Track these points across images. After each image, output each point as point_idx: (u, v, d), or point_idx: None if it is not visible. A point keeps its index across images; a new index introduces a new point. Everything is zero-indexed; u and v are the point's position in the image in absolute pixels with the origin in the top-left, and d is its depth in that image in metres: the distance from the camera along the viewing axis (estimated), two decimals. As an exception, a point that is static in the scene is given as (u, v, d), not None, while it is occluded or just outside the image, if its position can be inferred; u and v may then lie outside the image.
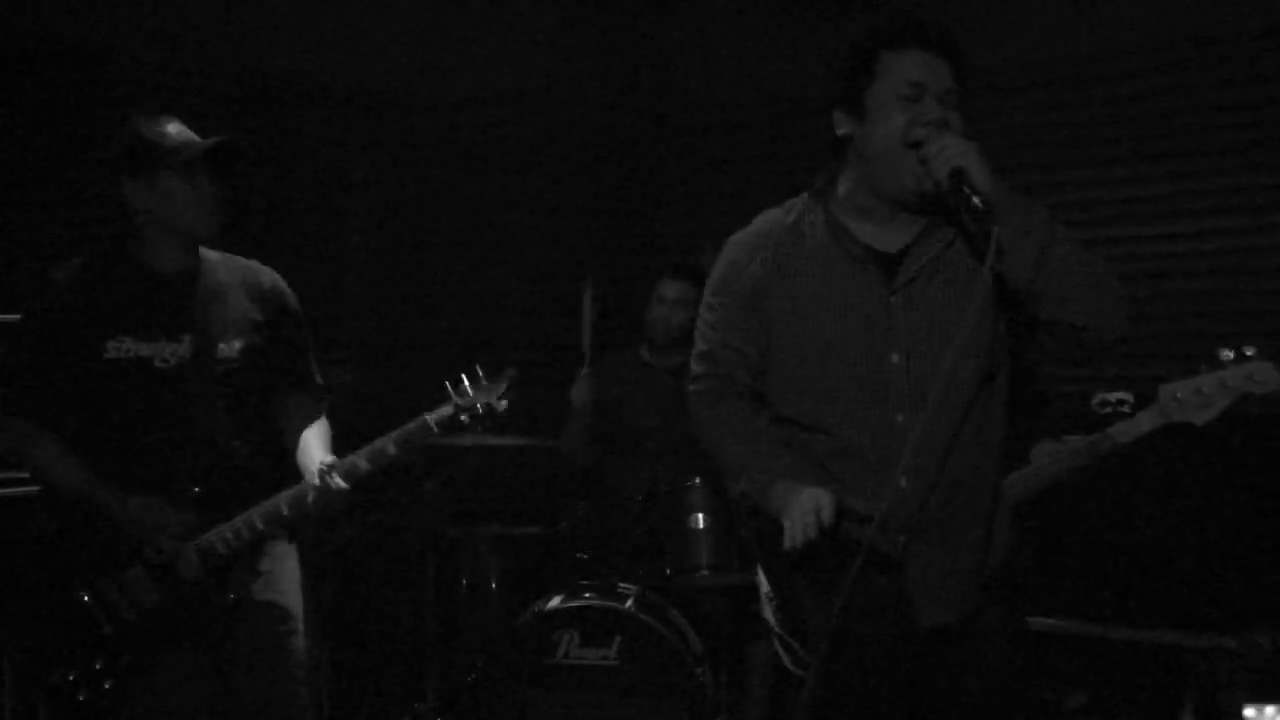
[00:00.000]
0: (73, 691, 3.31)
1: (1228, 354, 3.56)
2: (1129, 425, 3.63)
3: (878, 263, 2.93)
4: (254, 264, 3.57)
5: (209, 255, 3.49)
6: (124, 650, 3.30)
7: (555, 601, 4.53)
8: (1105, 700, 4.47)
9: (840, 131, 2.92)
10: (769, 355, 3.03)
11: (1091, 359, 3.06)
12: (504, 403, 3.49)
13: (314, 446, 3.51)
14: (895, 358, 2.89)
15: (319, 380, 3.66)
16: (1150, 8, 5.29)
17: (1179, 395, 3.54)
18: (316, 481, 3.34)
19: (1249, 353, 3.54)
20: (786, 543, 2.80)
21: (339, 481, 3.32)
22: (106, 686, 3.29)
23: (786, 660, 3.66)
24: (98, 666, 3.29)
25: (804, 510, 2.82)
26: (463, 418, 3.45)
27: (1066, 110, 5.50)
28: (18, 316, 3.75)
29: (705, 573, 4.65)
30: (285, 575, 3.49)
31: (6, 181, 5.04)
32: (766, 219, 3.10)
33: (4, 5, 5.05)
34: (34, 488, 3.83)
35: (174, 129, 3.38)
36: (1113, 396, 4.33)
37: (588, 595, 4.55)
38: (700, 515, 4.67)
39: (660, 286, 5.23)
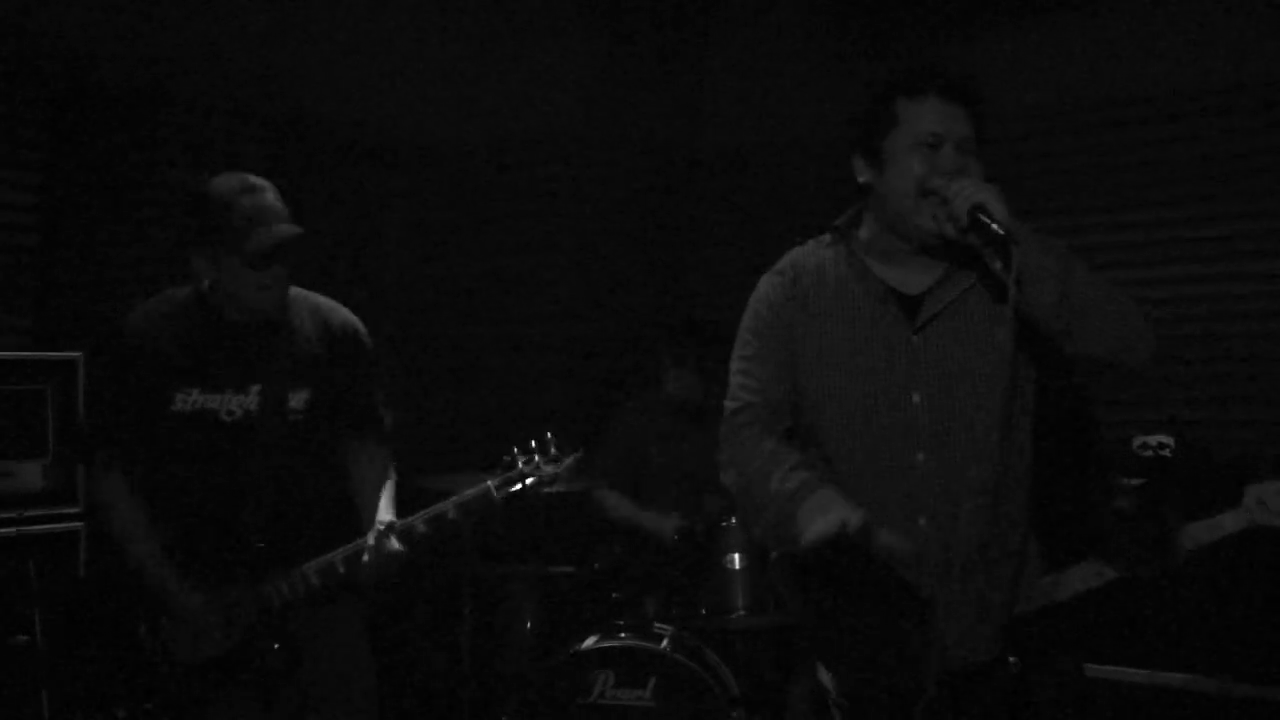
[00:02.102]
0: None
1: None
2: (1207, 527, 3.46)
3: (900, 304, 2.88)
4: (328, 303, 3.47)
5: (290, 293, 3.39)
6: (176, 692, 3.24)
7: (590, 641, 4.44)
8: None
9: (861, 179, 2.88)
10: (798, 390, 2.95)
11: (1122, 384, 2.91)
12: (568, 475, 3.45)
13: (377, 503, 3.43)
14: (916, 397, 2.83)
15: (387, 421, 3.54)
16: (1164, 60, 5.25)
17: (1265, 498, 3.39)
18: (372, 542, 3.25)
19: None
20: (804, 540, 2.69)
21: (395, 545, 3.25)
22: None
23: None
24: (148, 707, 3.24)
25: (832, 516, 2.71)
26: (529, 484, 3.40)
27: (1087, 154, 5.47)
28: (80, 354, 3.91)
29: (741, 613, 4.55)
30: (346, 632, 3.42)
31: (70, 215, 5.00)
32: (792, 258, 3.04)
33: (71, 51, 4.92)
34: (86, 522, 3.97)
35: (247, 202, 3.21)
36: (1153, 440, 4.28)
37: (623, 635, 4.46)
38: (737, 555, 4.58)
39: (673, 356, 5.13)
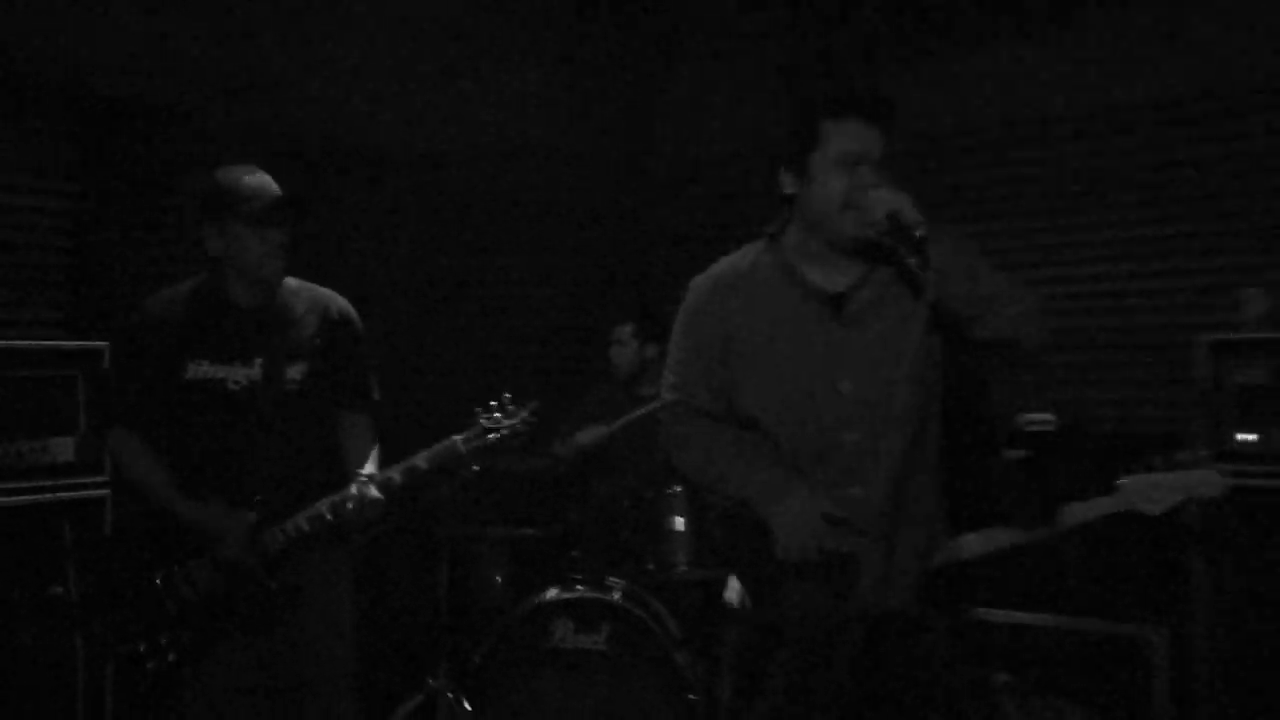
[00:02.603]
0: (142, 661, 3.42)
1: (1183, 457, 3.60)
2: (1089, 507, 3.62)
3: (826, 301, 2.99)
4: (326, 292, 3.66)
5: (287, 283, 3.58)
6: (186, 629, 3.41)
7: (552, 593, 4.62)
8: (1027, 679, 4.46)
9: (787, 191, 2.99)
10: (734, 384, 3.07)
11: (1018, 373, 3.20)
12: (527, 427, 3.59)
13: (361, 461, 3.60)
14: (844, 384, 2.95)
15: (375, 397, 3.71)
16: (1072, 81, 5.40)
17: (1134, 488, 3.56)
18: (355, 491, 3.42)
19: (1203, 459, 3.61)
20: (780, 554, 2.91)
21: (374, 492, 3.41)
22: (170, 659, 3.40)
23: (750, 650, 3.72)
24: (163, 641, 3.41)
25: (802, 531, 2.91)
26: (490, 438, 3.54)
27: (1000, 167, 5.64)
28: (103, 344, 4.07)
29: (683, 568, 4.72)
30: (333, 574, 3.59)
31: (98, 221, 5.11)
32: (725, 263, 3.16)
33: (100, 74, 4.99)
34: (112, 490, 4.17)
35: (250, 180, 3.46)
36: (1037, 417, 4.68)
37: (580, 588, 4.63)
38: (679, 518, 4.74)
39: (617, 331, 5.36)
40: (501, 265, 6.24)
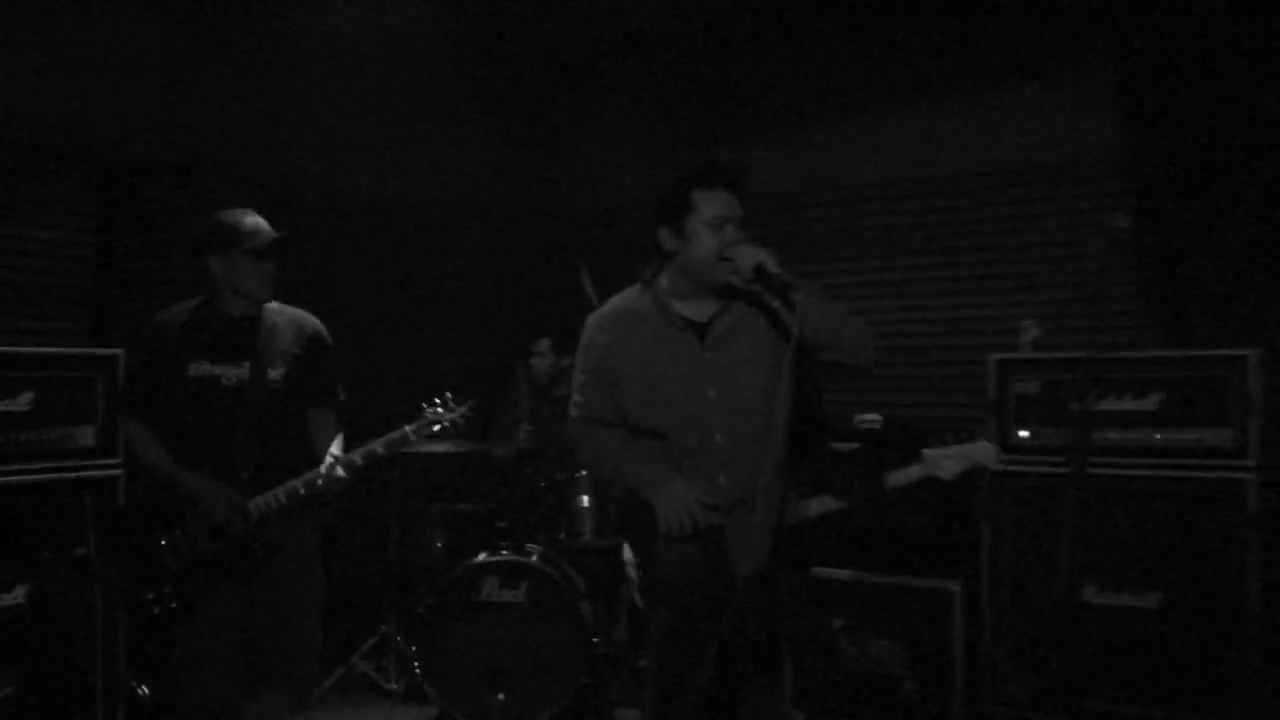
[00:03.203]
0: (149, 606, 3.54)
1: (969, 433, 3.96)
2: (900, 474, 3.84)
3: (694, 329, 3.14)
4: (301, 312, 3.79)
5: (270, 304, 3.71)
6: (185, 581, 3.54)
7: (481, 557, 4.78)
8: (856, 624, 4.68)
9: (666, 246, 3.12)
10: (624, 398, 3.18)
11: (853, 380, 3.29)
12: (463, 421, 3.72)
13: (327, 447, 3.69)
14: (711, 394, 3.10)
15: (341, 398, 3.81)
16: (896, 154, 5.73)
17: (934, 458, 3.79)
18: (324, 470, 3.56)
19: (978, 436, 3.93)
20: (662, 528, 3.03)
21: (340, 471, 3.55)
22: (173, 605, 3.53)
23: (640, 602, 3.94)
24: (166, 590, 3.53)
25: (678, 508, 3.02)
26: (434, 429, 3.67)
27: (838, 220, 5.94)
28: (117, 351, 4.11)
29: (588, 537, 4.95)
30: (304, 536, 3.68)
31: (116, 252, 5.14)
32: (613, 303, 3.26)
33: (120, 136, 5.05)
34: (125, 469, 4.12)
35: (250, 220, 3.61)
36: (868, 417, 4.84)
37: (504, 552, 4.79)
38: (585, 497, 4.97)
39: (535, 344, 5.50)
40: (441, 292, 6.24)
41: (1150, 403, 4.36)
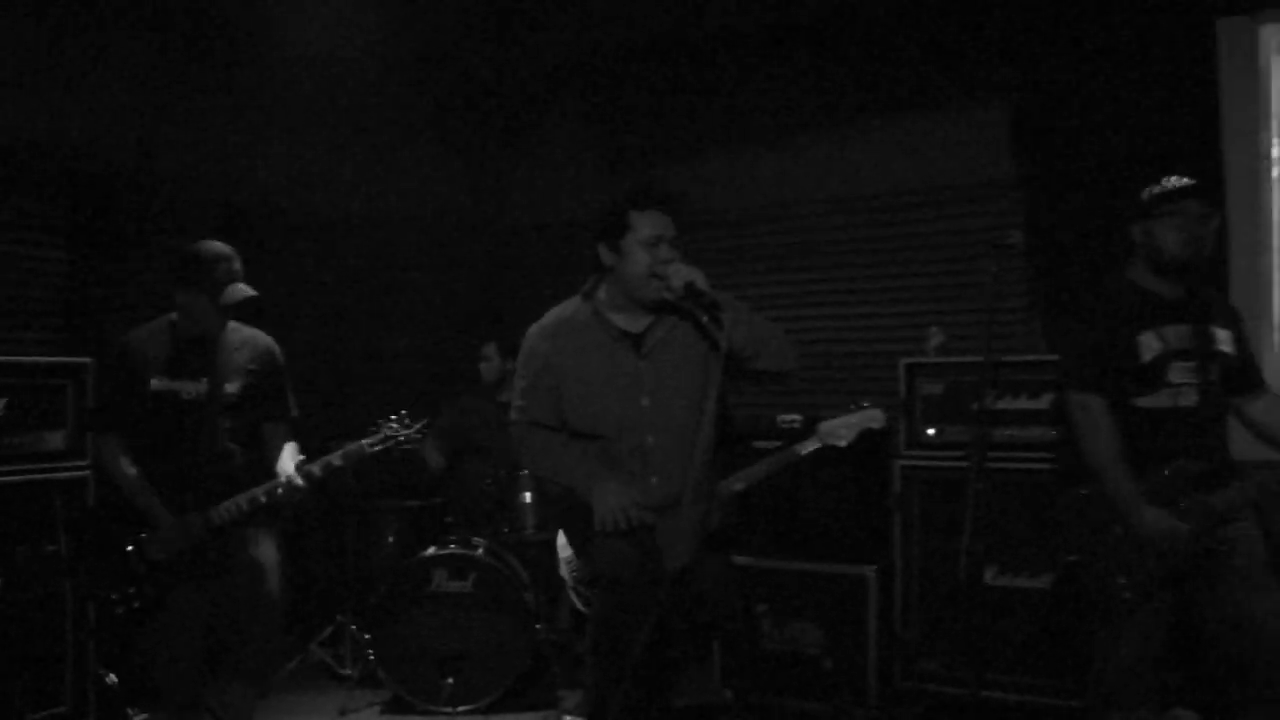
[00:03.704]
0: (114, 605, 3.57)
1: (855, 404, 4.07)
2: (803, 445, 4.05)
3: (629, 340, 3.19)
4: (257, 331, 3.82)
5: (229, 324, 3.74)
6: (149, 583, 3.57)
7: (431, 550, 4.83)
8: (779, 608, 4.75)
9: (604, 262, 3.18)
10: (564, 403, 3.20)
11: (775, 386, 3.44)
12: (418, 437, 3.82)
13: (284, 458, 3.74)
14: (644, 401, 3.15)
15: (294, 412, 3.86)
16: (823, 177, 5.79)
17: (829, 428, 4.00)
18: (283, 480, 3.63)
19: (867, 404, 4.05)
20: (597, 526, 3.06)
21: (299, 481, 3.62)
22: (135, 605, 3.57)
23: (577, 601, 4.26)
24: (131, 591, 3.57)
25: (613, 507, 3.04)
26: (389, 443, 3.76)
27: (763, 237, 6.00)
28: (87, 360, 4.10)
29: (530, 531, 5.02)
30: (264, 542, 3.69)
31: (86, 266, 5.11)
32: (553, 313, 3.29)
33: (89, 153, 5.02)
34: (93, 473, 4.16)
35: (224, 268, 3.58)
36: (789, 417, 4.85)
37: (452, 546, 4.83)
38: (527, 493, 5.05)
39: (483, 349, 5.49)
40: (395, 303, 6.25)
41: (1043, 402, 4.47)
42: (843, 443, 3.96)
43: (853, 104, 5.75)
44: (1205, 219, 3.24)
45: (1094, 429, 3.27)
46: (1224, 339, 3.29)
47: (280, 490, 3.61)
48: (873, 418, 3.98)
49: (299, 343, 3.97)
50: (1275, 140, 4.87)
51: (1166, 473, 3.22)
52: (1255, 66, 4.89)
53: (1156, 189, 3.29)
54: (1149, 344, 3.26)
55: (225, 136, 5.39)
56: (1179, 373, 3.25)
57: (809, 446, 4.04)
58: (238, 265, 3.67)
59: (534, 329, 3.30)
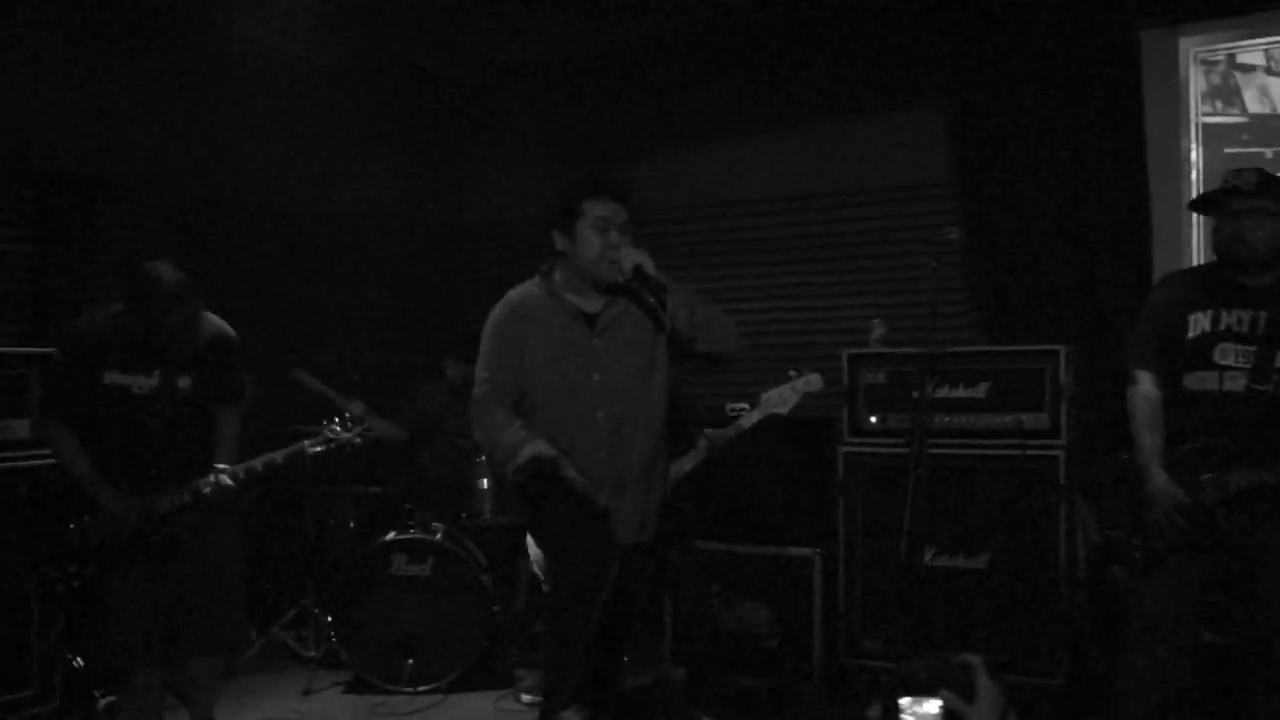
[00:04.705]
0: (53, 583, 3.56)
1: (793, 372, 4.07)
2: (745, 419, 4.07)
3: (583, 318, 3.22)
4: (215, 319, 3.73)
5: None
6: (89, 563, 3.51)
7: (391, 535, 4.82)
8: (729, 588, 4.78)
9: (559, 246, 3.22)
10: (523, 375, 3.21)
11: (721, 370, 3.37)
12: (358, 441, 3.84)
13: (220, 454, 3.67)
14: (596, 376, 3.18)
15: (244, 392, 3.79)
16: (770, 175, 5.88)
17: (770, 397, 4.00)
18: (212, 478, 3.57)
19: (804, 370, 4.06)
20: (517, 463, 3.03)
21: (226, 480, 3.57)
22: (74, 584, 3.52)
23: (542, 581, 4.09)
24: (71, 570, 3.52)
25: (531, 453, 3.03)
26: (330, 446, 3.82)
27: (712, 233, 6.08)
28: (51, 350, 3.98)
29: (487, 516, 5.01)
30: (219, 525, 3.66)
31: (51, 259, 5.05)
32: (516, 292, 3.31)
33: (52, 151, 4.95)
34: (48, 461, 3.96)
35: (160, 291, 3.46)
36: (737, 405, 4.66)
37: (412, 530, 4.82)
38: (484, 480, 5.02)
39: (443, 360, 5.37)
40: (352, 299, 6.21)
41: (979, 391, 4.57)
42: (785, 410, 3.95)
43: (797, 106, 5.82)
44: (1247, 215, 3.22)
45: (1136, 399, 3.37)
46: None
47: (208, 489, 3.58)
48: (810, 382, 3.98)
49: (254, 339, 3.93)
50: (1194, 146, 5.00)
51: (1188, 446, 3.27)
52: (1175, 76, 5.02)
53: (1213, 194, 3.36)
54: (1198, 322, 3.31)
55: (182, 134, 5.32)
56: (1228, 355, 3.26)
57: (753, 417, 4.04)
58: (178, 288, 3.54)
59: (497, 307, 3.33)
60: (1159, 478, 3.26)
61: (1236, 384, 3.24)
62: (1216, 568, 3.27)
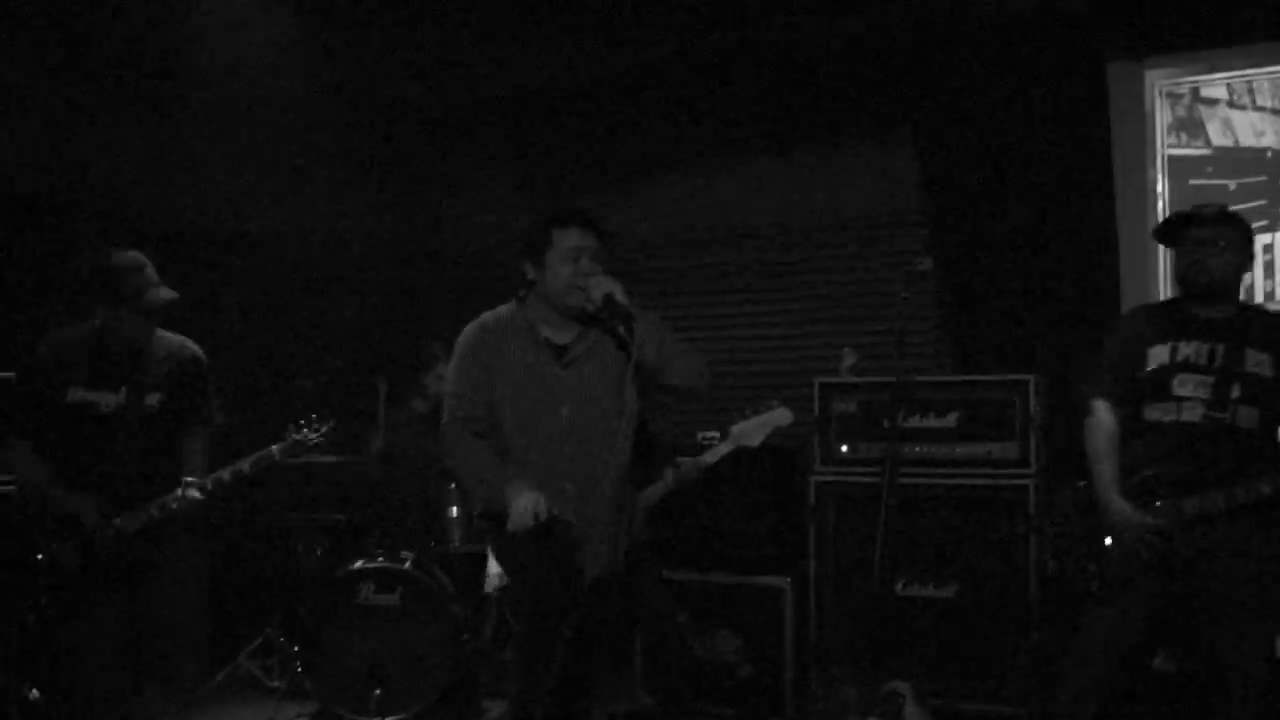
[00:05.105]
0: (24, 615, 3.49)
1: (764, 404, 3.97)
2: (713, 451, 3.95)
3: (553, 350, 3.22)
4: (184, 340, 3.72)
5: (155, 333, 3.62)
6: (59, 592, 3.46)
7: (359, 563, 4.75)
8: (699, 618, 4.76)
9: (529, 276, 3.23)
10: (493, 402, 3.20)
11: (689, 402, 3.48)
12: (325, 439, 3.74)
13: (190, 468, 3.65)
14: (564, 410, 3.17)
15: (215, 417, 3.76)
16: (742, 205, 5.83)
17: (739, 430, 3.93)
18: (180, 493, 3.53)
19: (775, 403, 3.98)
20: (510, 526, 3.03)
21: (194, 493, 3.53)
22: (48, 614, 3.46)
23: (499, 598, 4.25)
24: (42, 601, 3.47)
25: (525, 508, 3.01)
26: (297, 448, 3.70)
27: (683, 263, 6.02)
28: (13, 373, 3.91)
29: (456, 544, 4.96)
30: (185, 548, 3.62)
31: (9, 280, 5.00)
32: (487, 317, 3.31)
33: (8, 166, 4.90)
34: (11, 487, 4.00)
35: (137, 277, 3.49)
36: (708, 433, 4.62)
37: (380, 559, 4.74)
38: (453, 507, 4.97)
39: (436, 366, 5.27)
40: (321, 323, 6.16)
41: (950, 420, 4.56)
42: (755, 443, 3.91)
43: (768, 136, 5.81)
44: (1207, 244, 3.28)
45: (1092, 428, 3.42)
46: (1257, 361, 3.27)
47: (175, 504, 3.53)
48: (781, 416, 3.93)
49: (220, 365, 3.85)
50: (1160, 177, 5.02)
51: (1144, 474, 3.30)
52: (1142, 108, 5.05)
53: (1172, 219, 3.41)
54: (1157, 355, 3.35)
55: (150, 159, 5.28)
56: (1186, 385, 3.30)
57: (723, 449, 3.98)
58: (150, 271, 3.57)
59: (470, 327, 3.30)
60: (1119, 505, 3.29)
61: (1194, 414, 3.27)
62: (1171, 593, 3.30)
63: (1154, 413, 3.33)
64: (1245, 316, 3.35)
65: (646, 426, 3.72)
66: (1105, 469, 3.36)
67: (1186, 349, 3.31)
